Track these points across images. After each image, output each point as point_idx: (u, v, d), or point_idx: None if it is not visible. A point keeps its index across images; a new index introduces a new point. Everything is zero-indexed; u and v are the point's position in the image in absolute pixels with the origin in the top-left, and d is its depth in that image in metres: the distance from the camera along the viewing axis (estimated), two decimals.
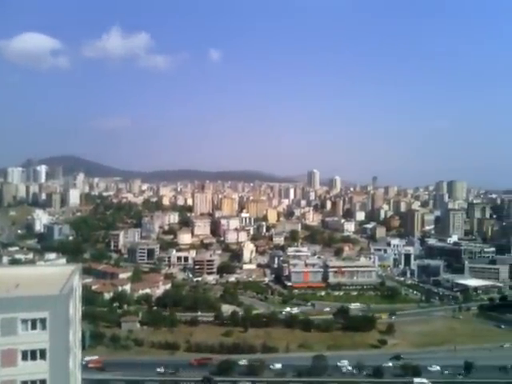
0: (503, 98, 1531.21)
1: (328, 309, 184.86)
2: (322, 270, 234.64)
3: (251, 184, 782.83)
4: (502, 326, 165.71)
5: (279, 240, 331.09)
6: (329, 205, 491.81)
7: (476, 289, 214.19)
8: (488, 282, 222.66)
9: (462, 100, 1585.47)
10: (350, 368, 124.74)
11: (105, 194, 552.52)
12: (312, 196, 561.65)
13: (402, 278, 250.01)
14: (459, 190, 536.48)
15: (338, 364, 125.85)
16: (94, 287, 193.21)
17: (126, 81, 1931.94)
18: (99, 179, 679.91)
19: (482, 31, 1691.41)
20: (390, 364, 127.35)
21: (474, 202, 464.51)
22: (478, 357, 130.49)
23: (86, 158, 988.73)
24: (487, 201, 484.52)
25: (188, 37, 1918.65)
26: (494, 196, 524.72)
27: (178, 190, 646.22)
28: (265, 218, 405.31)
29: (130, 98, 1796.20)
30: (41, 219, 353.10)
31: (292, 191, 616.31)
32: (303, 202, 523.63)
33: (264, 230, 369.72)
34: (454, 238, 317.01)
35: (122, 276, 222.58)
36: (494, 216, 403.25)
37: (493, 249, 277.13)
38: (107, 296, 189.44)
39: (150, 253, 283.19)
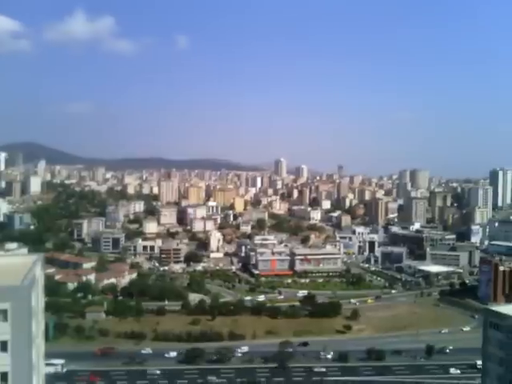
0: (464, 90, 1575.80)
1: (299, 294, 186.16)
2: (288, 257, 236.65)
3: (218, 172, 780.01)
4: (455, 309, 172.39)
5: (246, 228, 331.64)
6: (295, 193, 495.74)
7: (437, 275, 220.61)
8: (448, 268, 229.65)
9: (424, 91, 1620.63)
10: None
11: (67, 182, 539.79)
12: (279, 185, 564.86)
13: (367, 265, 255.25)
14: (422, 178, 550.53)
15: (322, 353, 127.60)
16: (57, 277, 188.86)
17: (90, 65, 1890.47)
18: (61, 167, 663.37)
19: (441, 24, 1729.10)
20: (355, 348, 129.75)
21: (436, 190, 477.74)
22: (438, 340, 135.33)
23: (48, 144, 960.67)
24: (448, 189, 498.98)
25: (154, 22, 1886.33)
26: (454, 185, 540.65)
27: (144, 178, 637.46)
28: (232, 207, 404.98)
29: (94, 82, 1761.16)
30: (0, 208, 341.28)
31: (259, 180, 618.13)
32: (270, 191, 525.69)
33: (231, 218, 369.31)
34: (417, 226, 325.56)
35: (86, 266, 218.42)
36: (455, 204, 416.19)
37: (453, 236, 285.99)
38: (71, 286, 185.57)
39: (115, 242, 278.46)
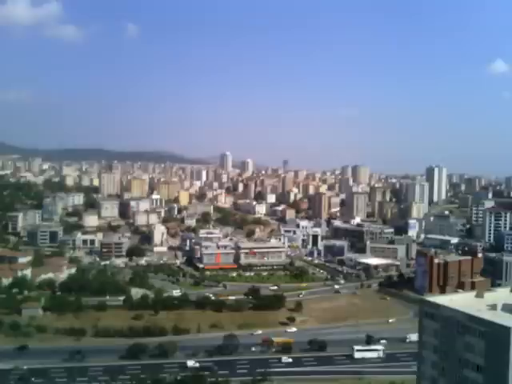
0: (407, 90, 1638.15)
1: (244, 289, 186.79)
2: (233, 251, 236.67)
3: (162, 165, 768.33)
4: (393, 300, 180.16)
5: (191, 222, 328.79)
6: (241, 187, 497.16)
7: (376, 267, 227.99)
8: (387, 260, 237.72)
9: (366, 88, 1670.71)
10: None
11: (1, 172, 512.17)
12: (224, 178, 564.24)
13: (310, 258, 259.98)
14: (363, 174, 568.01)
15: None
16: None
17: (32, 52, 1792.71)
18: None
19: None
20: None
21: (376, 186, 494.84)
22: (377, 330, 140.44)
23: None
24: (387, 185, 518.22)
25: (103, 9, 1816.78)
26: (393, 181, 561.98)
27: (84, 169, 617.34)
28: (176, 200, 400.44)
29: (35, 70, 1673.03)
30: None
31: (204, 173, 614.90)
32: (215, 184, 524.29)
33: (175, 212, 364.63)
34: (358, 220, 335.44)
35: (22, 260, 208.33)
36: (394, 199, 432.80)
37: (392, 230, 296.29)
38: (5, 282, 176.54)
39: (53, 236, 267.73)
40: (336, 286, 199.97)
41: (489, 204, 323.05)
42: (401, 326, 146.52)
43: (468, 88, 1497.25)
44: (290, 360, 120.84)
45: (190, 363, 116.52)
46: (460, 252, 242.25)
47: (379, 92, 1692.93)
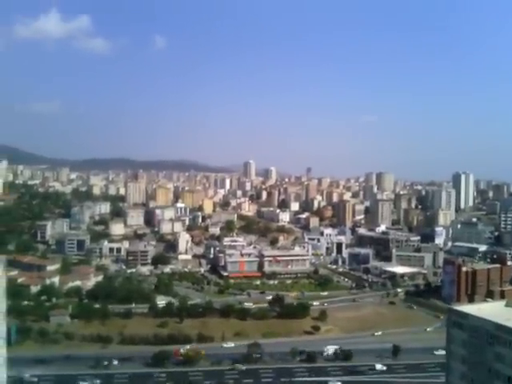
0: (430, 95, 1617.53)
1: (268, 297, 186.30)
2: (257, 259, 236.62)
3: (186, 174, 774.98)
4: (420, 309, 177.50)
5: (215, 230, 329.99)
6: (264, 195, 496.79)
7: (403, 275, 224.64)
8: (413, 269, 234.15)
9: (391, 96, 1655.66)
10: None
11: (30, 182, 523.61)
12: (248, 186, 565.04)
13: (334, 266, 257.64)
14: (387, 181, 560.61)
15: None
16: (19, 280, 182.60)
17: (61, 64, 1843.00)
18: (24, 167, 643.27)
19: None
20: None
21: (401, 193, 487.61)
22: (403, 340, 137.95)
23: (10, 144, 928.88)
24: (413, 192, 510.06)
25: (131, 23, 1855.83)
26: (419, 187, 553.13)
27: (110, 179, 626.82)
28: (200, 208, 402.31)
29: (63, 82, 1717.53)
30: None
31: (228, 181, 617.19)
32: (239, 193, 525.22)
33: (200, 220, 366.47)
34: (383, 228, 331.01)
35: (50, 268, 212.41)
36: (419, 206, 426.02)
37: (418, 237, 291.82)
38: (34, 289, 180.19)
39: (80, 244, 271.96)
40: (361, 295, 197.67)
41: None
42: (428, 336, 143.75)
43: (494, 93, 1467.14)
44: None
45: None
46: (489, 260, 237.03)
47: (404, 99, 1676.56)
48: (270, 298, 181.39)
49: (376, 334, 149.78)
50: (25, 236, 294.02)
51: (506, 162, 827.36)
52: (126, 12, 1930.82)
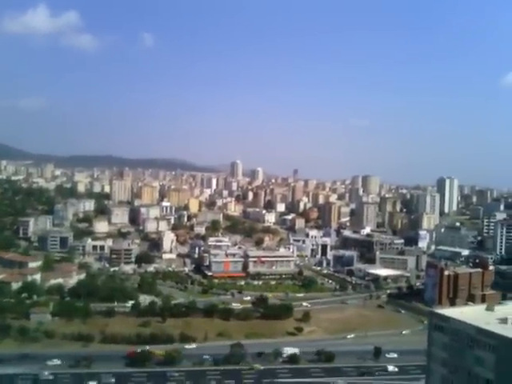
0: (418, 101, 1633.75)
1: (248, 298, 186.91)
2: (242, 259, 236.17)
3: (173, 173, 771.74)
4: (403, 311, 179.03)
5: (200, 230, 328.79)
6: (250, 196, 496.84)
7: (386, 278, 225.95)
8: (397, 271, 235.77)
9: (378, 99, 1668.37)
10: None
11: (14, 178, 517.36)
12: (234, 186, 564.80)
13: (319, 268, 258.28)
14: (373, 184, 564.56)
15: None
16: (0, 277, 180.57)
17: (47, 60, 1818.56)
18: (8, 162, 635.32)
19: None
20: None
21: (386, 196, 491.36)
22: (385, 342, 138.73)
23: None
24: (398, 195, 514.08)
25: (120, 19, 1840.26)
26: (404, 191, 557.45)
27: (95, 176, 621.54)
28: (186, 208, 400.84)
29: (50, 77, 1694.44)
30: None
31: (214, 181, 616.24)
32: (225, 193, 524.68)
33: (185, 219, 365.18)
34: (367, 230, 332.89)
35: (32, 265, 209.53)
36: (404, 210, 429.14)
37: (402, 240, 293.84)
38: (15, 286, 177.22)
39: (63, 241, 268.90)
40: (344, 297, 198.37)
41: (500, 216, 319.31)
42: (410, 338, 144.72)
43: (481, 99, 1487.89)
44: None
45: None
46: (471, 264, 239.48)
47: (390, 103, 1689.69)
48: (249, 298, 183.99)
49: (359, 335, 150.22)
50: (6, 232, 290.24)
51: (490, 168, 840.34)
52: (116, 8, 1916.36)
